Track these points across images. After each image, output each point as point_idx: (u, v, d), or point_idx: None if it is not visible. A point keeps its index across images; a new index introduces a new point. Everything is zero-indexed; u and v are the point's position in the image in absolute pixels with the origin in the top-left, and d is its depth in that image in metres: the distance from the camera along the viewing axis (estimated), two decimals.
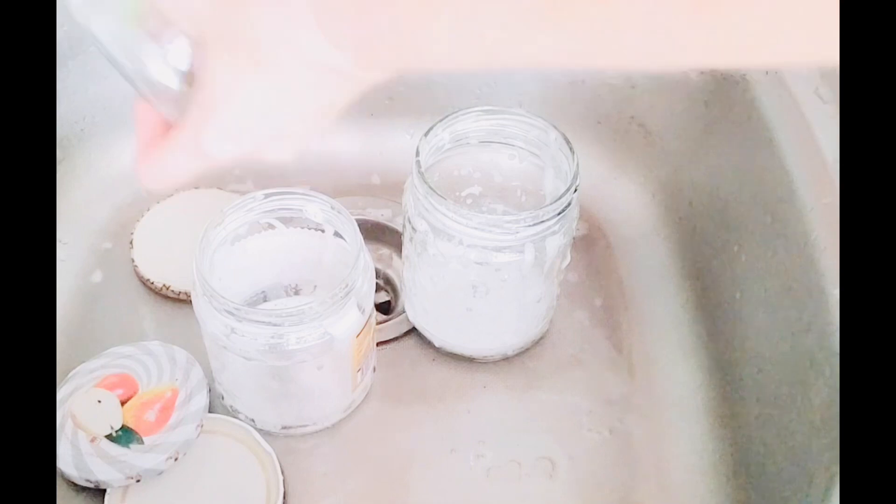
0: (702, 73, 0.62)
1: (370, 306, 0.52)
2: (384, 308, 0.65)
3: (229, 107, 0.34)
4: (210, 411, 0.55)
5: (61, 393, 0.55)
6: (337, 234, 0.53)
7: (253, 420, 0.55)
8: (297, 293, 0.59)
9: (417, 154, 0.52)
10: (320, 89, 0.34)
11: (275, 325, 0.48)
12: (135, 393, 0.55)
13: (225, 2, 0.32)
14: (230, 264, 0.54)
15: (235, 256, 0.54)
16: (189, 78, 0.35)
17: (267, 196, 0.52)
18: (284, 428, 0.55)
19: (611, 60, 0.29)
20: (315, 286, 0.58)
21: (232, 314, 0.48)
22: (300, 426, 0.56)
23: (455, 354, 0.60)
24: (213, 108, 0.34)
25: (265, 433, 0.54)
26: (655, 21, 0.26)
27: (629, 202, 0.69)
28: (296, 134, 0.37)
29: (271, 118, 0.35)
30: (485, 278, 0.54)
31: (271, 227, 0.55)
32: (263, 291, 0.58)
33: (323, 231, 0.54)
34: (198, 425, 0.53)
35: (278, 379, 0.52)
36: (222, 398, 0.56)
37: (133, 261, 0.63)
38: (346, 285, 0.49)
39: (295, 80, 0.33)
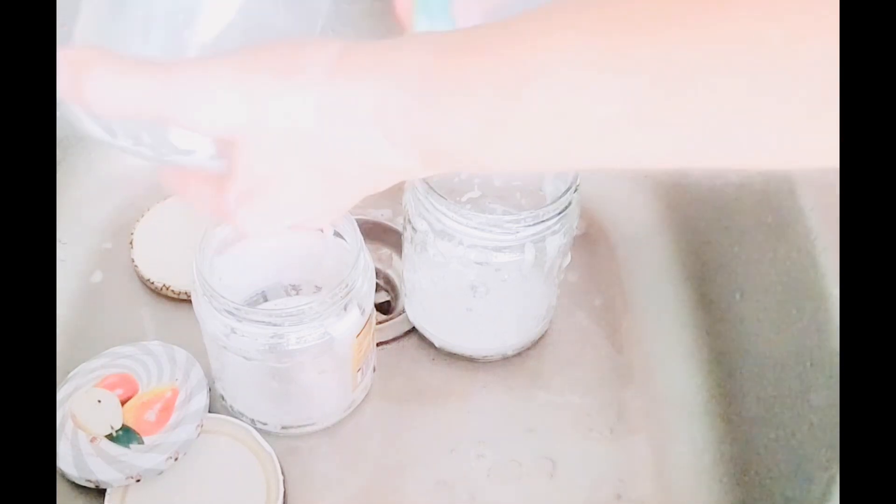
0: None
1: (370, 306, 0.52)
2: (384, 308, 0.65)
3: (268, 198, 0.32)
4: (210, 411, 0.55)
5: (61, 393, 0.55)
6: (337, 234, 0.53)
7: (253, 420, 0.55)
8: (297, 293, 0.59)
9: None
10: (375, 181, 0.31)
11: (275, 325, 0.48)
12: (135, 393, 0.55)
13: (263, 106, 0.29)
14: (230, 264, 0.54)
15: (235, 256, 0.54)
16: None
17: None
18: (284, 428, 0.55)
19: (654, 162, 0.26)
20: (315, 286, 0.58)
21: (232, 314, 0.48)
22: (300, 426, 0.56)
23: (455, 354, 0.60)
24: (250, 198, 0.32)
25: (265, 433, 0.54)
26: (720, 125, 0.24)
27: (629, 202, 0.69)
28: (338, 213, 0.34)
29: (314, 204, 0.32)
30: (485, 278, 0.54)
31: None
32: (263, 291, 0.58)
33: (323, 231, 0.54)
34: (198, 425, 0.53)
35: (278, 379, 0.52)
36: (222, 398, 0.56)
37: (133, 261, 0.63)
38: (346, 285, 0.49)
39: (348, 176, 0.30)
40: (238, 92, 0.29)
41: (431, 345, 0.61)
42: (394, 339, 0.61)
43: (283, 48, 0.29)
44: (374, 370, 0.59)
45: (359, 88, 0.27)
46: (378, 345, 0.59)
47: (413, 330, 0.61)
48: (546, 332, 0.62)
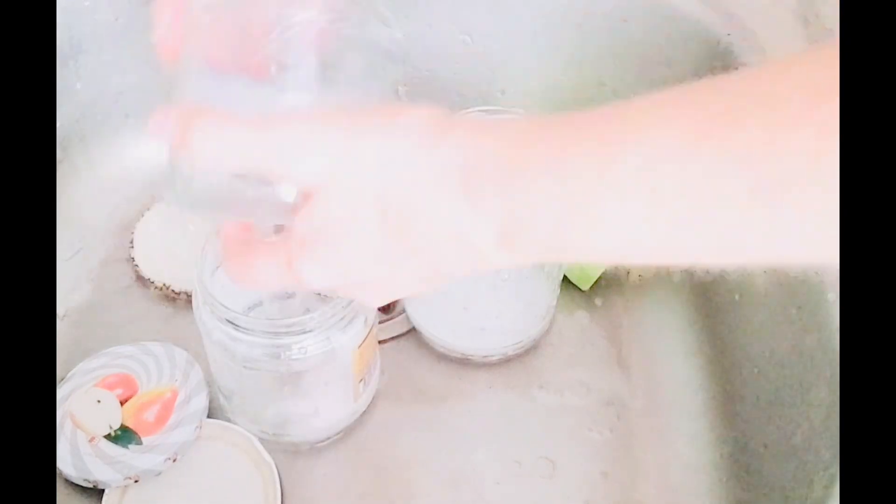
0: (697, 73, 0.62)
1: (372, 317, 0.52)
2: (384, 308, 0.65)
3: (329, 246, 0.31)
4: (210, 417, 0.55)
5: (61, 392, 0.55)
6: None
7: (253, 428, 0.55)
8: (290, 298, 0.58)
9: None
10: (442, 256, 0.31)
11: (277, 335, 0.48)
12: (134, 393, 0.55)
13: (350, 157, 0.30)
14: None
15: None
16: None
17: None
18: (285, 436, 0.55)
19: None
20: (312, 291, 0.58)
21: (233, 323, 0.48)
22: (301, 435, 0.55)
23: (455, 354, 0.60)
24: (311, 246, 0.32)
25: (265, 441, 0.54)
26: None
27: None
28: (402, 293, 0.34)
29: (375, 270, 0.32)
30: (485, 278, 0.54)
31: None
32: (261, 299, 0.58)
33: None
34: (197, 426, 0.53)
35: (279, 388, 0.51)
36: (223, 406, 0.56)
37: (133, 261, 0.63)
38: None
39: (417, 240, 0.30)
40: (342, 142, 0.30)
41: (431, 345, 0.61)
42: (394, 339, 0.61)
43: (384, 108, 0.30)
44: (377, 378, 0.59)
45: (452, 146, 0.28)
46: (378, 343, 0.59)
47: (413, 330, 0.61)
48: (546, 332, 0.62)
